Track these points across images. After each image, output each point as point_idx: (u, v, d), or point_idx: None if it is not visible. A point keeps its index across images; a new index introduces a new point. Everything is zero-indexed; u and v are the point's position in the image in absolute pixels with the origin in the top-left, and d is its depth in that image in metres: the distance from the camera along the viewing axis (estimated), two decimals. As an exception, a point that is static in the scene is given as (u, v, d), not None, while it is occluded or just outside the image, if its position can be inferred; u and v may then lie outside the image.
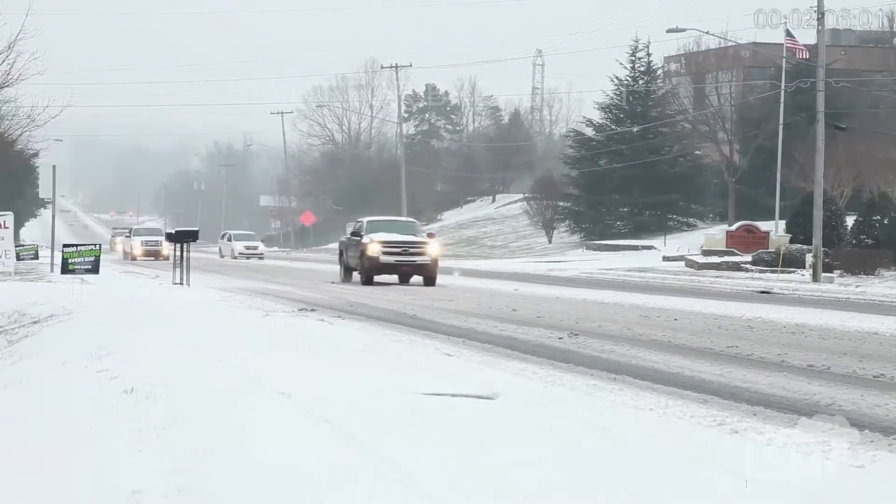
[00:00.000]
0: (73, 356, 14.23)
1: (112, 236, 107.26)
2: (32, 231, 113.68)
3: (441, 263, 39.78)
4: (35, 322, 21.12)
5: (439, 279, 38.38)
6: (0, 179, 66.43)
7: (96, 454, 8.31)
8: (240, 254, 79.41)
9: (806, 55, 57.17)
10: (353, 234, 39.85)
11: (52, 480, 7.76)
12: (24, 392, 12.62)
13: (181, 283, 33.55)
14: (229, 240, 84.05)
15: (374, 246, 37.34)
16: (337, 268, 43.57)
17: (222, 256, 79.98)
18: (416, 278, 38.31)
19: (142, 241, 73.18)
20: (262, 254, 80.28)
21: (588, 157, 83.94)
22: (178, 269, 34.32)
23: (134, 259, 69.30)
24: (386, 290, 34.39)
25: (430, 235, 40.25)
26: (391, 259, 37.48)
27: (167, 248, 64.58)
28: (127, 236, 77.63)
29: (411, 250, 37.67)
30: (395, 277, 38.97)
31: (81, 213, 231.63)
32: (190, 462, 7.71)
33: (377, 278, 38.03)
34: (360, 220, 42.27)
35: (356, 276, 39.03)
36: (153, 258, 69.17)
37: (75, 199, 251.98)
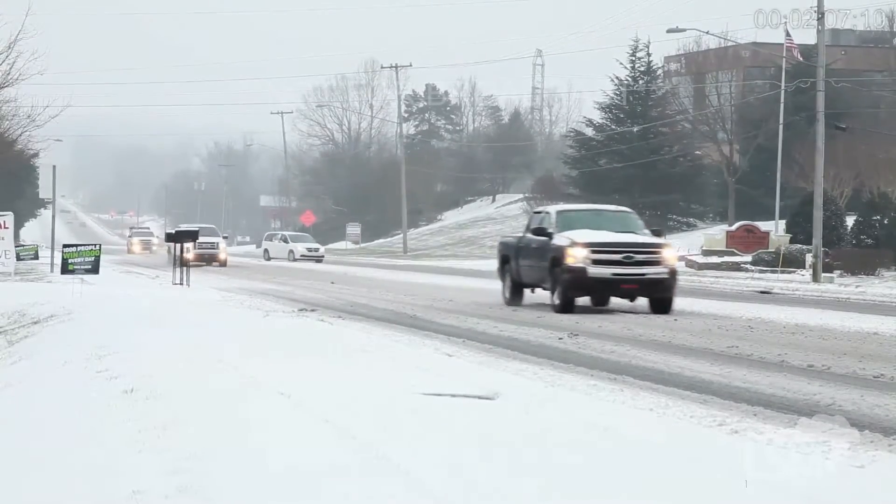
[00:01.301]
0: (74, 356, 14.23)
1: (129, 236, 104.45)
2: (32, 231, 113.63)
3: (441, 263, 38.87)
4: (35, 322, 21.12)
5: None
6: (0, 179, 66.40)
7: (96, 454, 8.31)
8: (301, 255, 72.98)
9: (798, 55, 57.21)
10: (536, 230, 26.37)
11: (52, 480, 7.76)
12: (24, 392, 12.62)
13: (181, 284, 33.55)
14: (285, 241, 77.59)
15: (577, 251, 24.40)
16: (487, 284, 33.20)
17: (269, 259, 73.96)
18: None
19: (195, 243, 63.54)
20: (322, 255, 74.37)
21: (588, 157, 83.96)
22: (178, 270, 34.32)
23: (185, 265, 61.45)
24: (386, 290, 34.36)
25: (658, 233, 27.36)
26: (606, 272, 24.32)
27: (225, 251, 60.48)
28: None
29: (638, 257, 24.58)
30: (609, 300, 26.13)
31: (81, 212, 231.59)
32: (190, 462, 7.70)
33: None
34: (542, 209, 29.43)
35: (531, 295, 26.88)
36: (205, 263, 56.22)
37: (75, 200, 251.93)
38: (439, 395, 10.55)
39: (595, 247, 24.41)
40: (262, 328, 18.55)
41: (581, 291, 24.60)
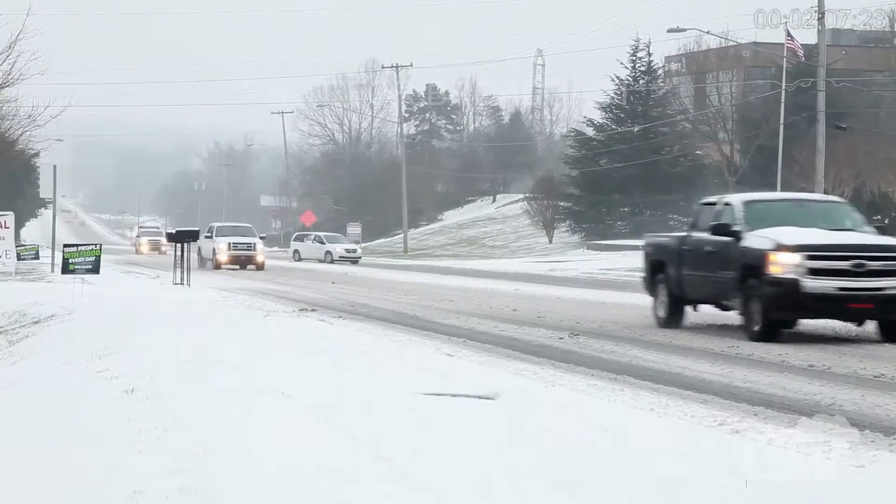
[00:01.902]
0: (74, 356, 14.23)
1: (137, 236, 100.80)
2: (33, 231, 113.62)
3: (440, 263, 38.98)
4: (36, 322, 21.12)
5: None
6: (1, 179, 66.43)
7: (97, 454, 8.31)
8: (340, 257, 68.23)
9: (801, 55, 57.20)
10: (715, 228, 19.71)
11: (52, 481, 7.75)
12: (24, 392, 12.61)
13: (181, 283, 33.55)
14: (321, 242, 71.73)
15: (785, 256, 18.09)
16: (487, 284, 30.64)
17: (299, 259, 68.31)
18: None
19: (229, 244, 53.21)
20: (359, 257, 70.06)
21: (589, 156, 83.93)
22: (178, 269, 34.32)
23: (218, 267, 51.57)
24: (386, 290, 34.37)
25: (884, 230, 21.37)
26: (829, 285, 17.86)
27: (263, 253, 53.93)
28: (207, 236, 53.20)
29: (873, 265, 18.04)
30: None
31: (82, 212, 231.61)
32: (190, 462, 7.70)
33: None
34: (717, 200, 21.79)
35: (694, 314, 21.35)
36: (239, 267, 51.97)
37: (76, 200, 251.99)
38: (440, 395, 10.55)
39: (812, 250, 18.03)
40: (263, 328, 18.55)
41: (792, 312, 18.30)
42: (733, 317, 19.51)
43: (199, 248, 50.82)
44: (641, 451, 8.42)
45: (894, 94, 74.80)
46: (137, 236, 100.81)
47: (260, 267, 52.12)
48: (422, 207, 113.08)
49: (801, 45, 58.07)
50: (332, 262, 66.80)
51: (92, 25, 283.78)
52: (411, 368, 13.03)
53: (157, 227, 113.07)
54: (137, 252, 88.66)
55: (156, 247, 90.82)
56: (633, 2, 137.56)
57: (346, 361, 13.47)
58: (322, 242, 72.27)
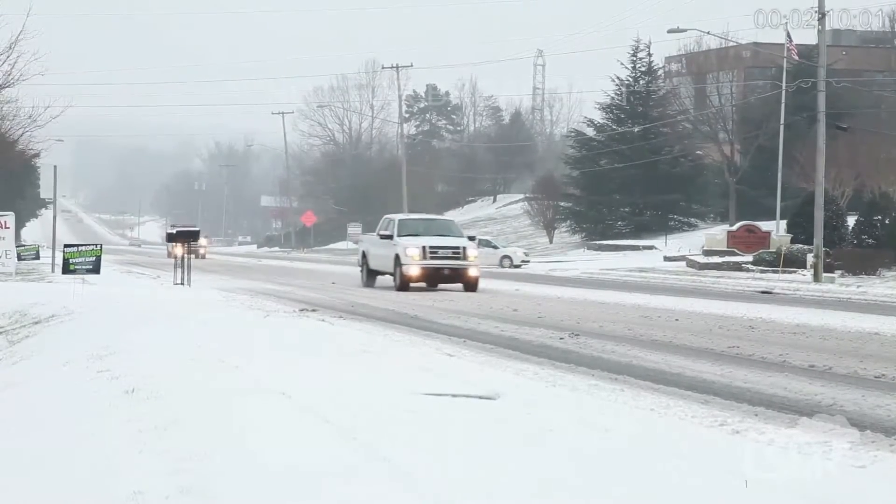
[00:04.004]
0: (74, 356, 14.22)
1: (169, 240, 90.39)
2: (33, 231, 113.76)
3: None
4: (36, 322, 21.12)
5: None
6: (1, 180, 66.44)
7: (97, 454, 8.31)
8: (522, 262, 61.19)
9: (796, 56, 57.19)
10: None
11: (52, 481, 7.75)
12: (24, 392, 12.61)
13: (182, 284, 33.55)
14: (491, 246, 61.83)
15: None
16: (487, 284, 29.71)
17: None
18: None
19: (425, 249, 33.75)
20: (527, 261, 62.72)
21: (589, 157, 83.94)
22: (178, 270, 34.31)
23: (405, 285, 33.49)
24: (386, 291, 34.39)
25: None
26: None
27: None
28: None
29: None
30: None
31: (82, 212, 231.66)
32: (191, 462, 7.70)
33: None
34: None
35: None
36: (429, 285, 34.24)
37: (76, 200, 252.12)
38: (440, 395, 10.54)
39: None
40: (264, 328, 18.54)
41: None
42: None
43: (363, 255, 37.30)
44: (642, 451, 8.42)
45: (894, 95, 74.80)
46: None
47: (471, 285, 32.97)
48: (422, 208, 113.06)
49: (801, 45, 58.07)
50: (510, 268, 59.09)
51: (92, 25, 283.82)
52: (412, 368, 13.02)
53: (196, 227, 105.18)
54: (171, 255, 77.17)
55: (192, 250, 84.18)
56: (634, 2, 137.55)
57: (347, 362, 13.46)
58: (495, 247, 63.74)
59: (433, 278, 33.67)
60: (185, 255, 34.72)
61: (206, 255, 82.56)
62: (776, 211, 63.10)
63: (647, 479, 7.41)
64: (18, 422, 10.53)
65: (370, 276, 36.47)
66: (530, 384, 12.58)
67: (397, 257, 33.79)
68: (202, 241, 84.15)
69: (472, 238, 35.56)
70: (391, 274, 34.34)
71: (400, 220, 35.73)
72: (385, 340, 17.55)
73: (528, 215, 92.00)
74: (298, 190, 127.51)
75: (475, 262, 33.83)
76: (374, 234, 36.80)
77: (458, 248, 33.71)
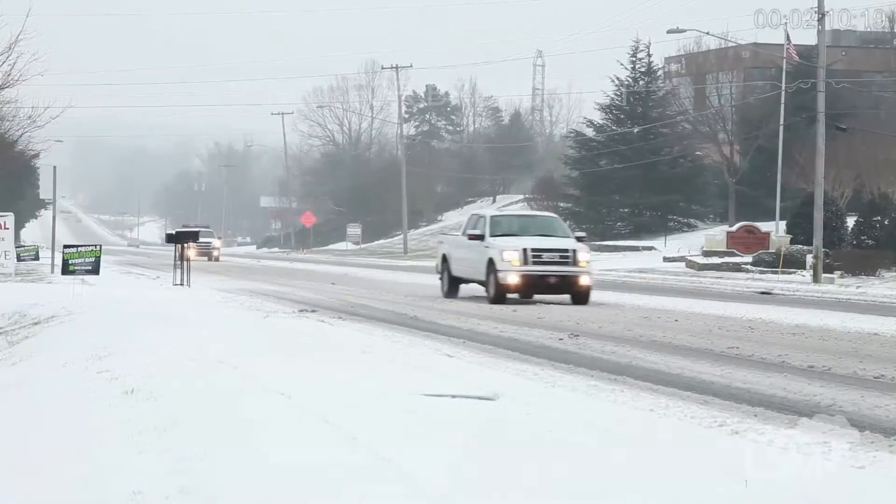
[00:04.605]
0: (74, 357, 14.22)
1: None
2: (33, 232, 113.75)
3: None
4: (36, 323, 21.12)
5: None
6: (1, 180, 66.44)
7: (97, 455, 8.31)
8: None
9: (795, 56, 57.21)
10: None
11: (52, 481, 7.76)
12: (24, 393, 12.61)
13: (181, 284, 33.55)
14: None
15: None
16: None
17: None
18: None
19: (526, 252, 28.07)
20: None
21: (588, 157, 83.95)
22: (178, 270, 34.31)
23: (500, 297, 27.94)
24: (386, 291, 34.39)
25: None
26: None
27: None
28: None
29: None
30: None
31: (82, 213, 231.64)
32: (191, 463, 7.70)
33: None
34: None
35: None
36: (537, 296, 28.65)
37: (76, 201, 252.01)
38: (440, 395, 10.54)
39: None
40: (263, 329, 18.54)
41: None
42: None
43: (443, 259, 30.80)
44: (642, 451, 8.42)
45: (894, 95, 74.79)
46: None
47: (582, 297, 27.46)
48: (422, 208, 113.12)
49: (801, 45, 58.07)
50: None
51: (92, 25, 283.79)
52: (411, 369, 13.03)
53: (208, 227, 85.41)
54: (183, 259, 68.90)
55: (206, 252, 72.08)
56: (633, 3, 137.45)
57: (347, 362, 13.46)
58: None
59: (536, 288, 27.92)
60: (186, 256, 34.66)
61: (220, 258, 73.93)
62: (776, 212, 63.10)
63: (646, 480, 7.41)
64: (18, 422, 10.53)
65: (452, 284, 30.32)
66: (530, 385, 12.58)
67: (491, 262, 27.72)
68: (215, 242, 75.56)
69: (580, 238, 29.63)
70: (481, 283, 28.57)
71: (492, 218, 29.94)
72: (385, 341, 17.56)
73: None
74: (298, 190, 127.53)
75: (586, 268, 27.85)
76: (458, 233, 31.77)
77: (566, 251, 27.81)
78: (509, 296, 27.75)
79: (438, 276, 31.38)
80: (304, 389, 10.67)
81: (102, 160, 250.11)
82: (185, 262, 34.22)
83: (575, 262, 27.60)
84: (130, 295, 27.20)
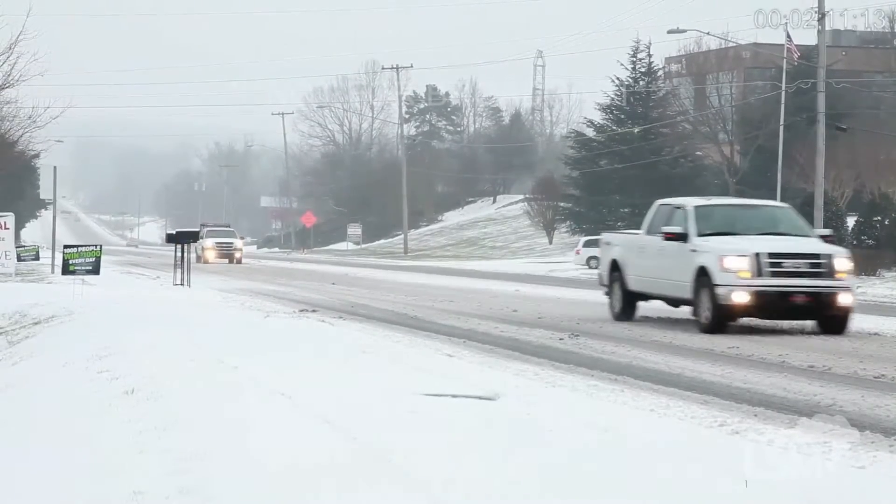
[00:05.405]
0: (74, 357, 14.22)
1: (201, 237, 61.70)
2: (33, 232, 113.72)
3: (441, 264, 37.93)
4: (36, 323, 21.12)
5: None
6: (1, 180, 66.43)
7: (97, 455, 8.31)
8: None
9: (796, 57, 57.20)
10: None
11: (52, 481, 7.75)
12: (24, 393, 12.61)
13: (181, 284, 33.54)
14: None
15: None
16: (487, 285, 30.16)
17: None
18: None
19: (758, 259, 20.31)
20: None
21: (589, 157, 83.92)
22: (178, 270, 34.30)
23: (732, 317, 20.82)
24: (386, 291, 34.40)
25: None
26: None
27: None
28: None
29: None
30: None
31: (82, 213, 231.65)
32: (191, 463, 7.70)
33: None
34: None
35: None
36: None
37: (76, 201, 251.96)
38: (440, 395, 10.54)
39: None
40: (263, 329, 18.54)
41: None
42: None
43: (613, 267, 23.47)
44: (642, 451, 8.42)
45: (894, 95, 74.78)
46: (201, 237, 62.54)
47: (838, 322, 20.32)
48: (422, 208, 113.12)
49: (801, 45, 58.04)
50: None
51: (92, 26, 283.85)
52: (411, 369, 13.03)
53: (229, 226, 77.83)
54: (203, 260, 62.57)
55: (226, 253, 66.35)
56: (634, 3, 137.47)
57: (347, 362, 13.46)
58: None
59: (775, 310, 20.26)
60: (186, 256, 34.63)
61: (242, 260, 66.56)
62: (776, 212, 62.96)
63: (647, 480, 7.41)
64: (18, 422, 10.53)
65: (629, 302, 22.82)
66: (530, 385, 12.58)
67: (702, 273, 20.18)
68: (237, 242, 68.10)
69: (827, 238, 22.00)
70: (685, 301, 21.06)
71: (699, 209, 21.94)
72: (385, 341, 17.56)
73: (528, 216, 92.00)
74: (298, 191, 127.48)
75: (846, 280, 20.26)
76: (640, 231, 24.16)
77: (817, 256, 20.40)
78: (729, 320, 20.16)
79: (604, 289, 23.72)
80: (305, 389, 10.66)
81: (102, 160, 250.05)
82: (185, 263, 34.19)
83: (831, 273, 20.09)
84: (131, 295, 27.20)
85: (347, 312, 24.59)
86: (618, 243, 24.34)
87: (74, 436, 9.23)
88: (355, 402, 9.95)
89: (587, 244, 58.76)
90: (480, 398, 10.55)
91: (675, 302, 21.87)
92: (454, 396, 10.57)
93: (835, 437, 9.36)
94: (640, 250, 23.06)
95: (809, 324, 20.46)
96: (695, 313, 20.44)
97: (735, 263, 19.91)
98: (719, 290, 19.68)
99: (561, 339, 18.41)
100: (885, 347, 17.45)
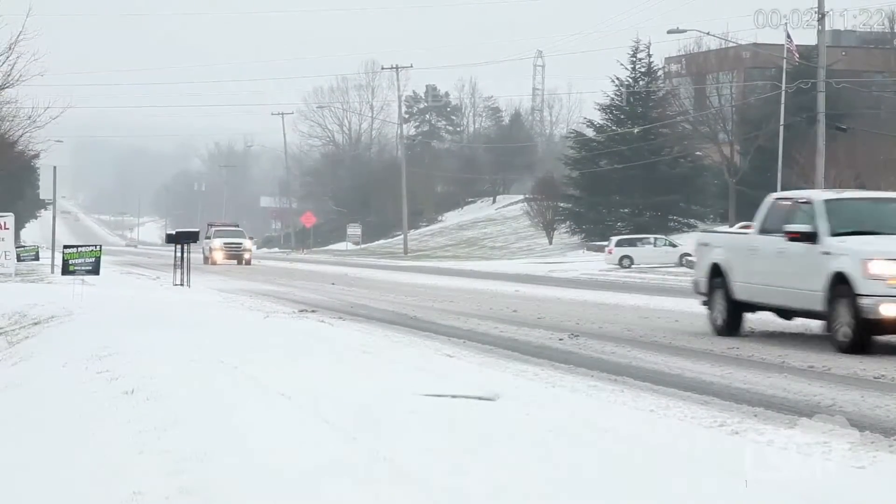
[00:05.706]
0: (74, 357, 14.22)
1: (209, 237, 64.22)
2: (33, 232, 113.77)
3: (440, 264, 37.91)
4: (36, 323, 21.11)
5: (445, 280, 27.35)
6: (1, 180, 66.45)
7: (97, 455, 8.31)
8: None
9: (796, 57, 57.22)
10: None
11: (52, 482, 7.75)
12: (24, 393, 12.61)
13: (181, 284, 33.54)
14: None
15: None
16: (487, 285, 29.19)
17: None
18: None
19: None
20: None
21: (589, 157, 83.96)
22: (178, 270, 34.30)
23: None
24: (386, 291, 34.40)
25: None
26: None
27: None
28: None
29: None
30: None
31: (82, 213, 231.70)
32: (191, 463, 7.70)
33: None
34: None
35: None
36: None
37: (76, 201, 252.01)
38: (440, 395, 10.54)
39: None
40: (263, 329, 18.54)
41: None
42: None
43: (713, 272, 20.15)
44: (642, 451, 8.42)
45: (894, 96, 74.80)
46: (208, 237, 62.86)
47: None
48: (422, 208, 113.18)
49: (801, 45, 58.06)
50: None
51: (92, 25, 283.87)
52: (411, 369, 13.03)
53: (238, 226, 74.71)
54: (211, 262, 61.22)
55: (235, 254, 63.34)
56: (634, 3, 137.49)
57: (346, 362, 13.47)
58: (674, 245, 53.54)
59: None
60: (186, 256, 34.62)
61: (252, 261, 63.84)
62: (776, 212, 62.97)
63: (647, 480, 7.41)
64: (18, 423, 10.52)
65: (734, 313, 19.49)
66: (530, 385, 12.58)
67: (839, 280, 16.82)
68: (247, 242, 65.25)
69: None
70: (815, 314, 17.79)
71: (829, 203, 18.20)
72: (385, 341, 17.56)
73: (528, 216, 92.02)
74: (298, 191, 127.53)
75: None
76: (750, 229, 20.83)
77: None
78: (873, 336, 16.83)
79: (702, 298, 20.50)
80: (304, 390, 10.67)
81: (102, 160, 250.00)
82: (185, 263, 34.19)
83: None
84: (130, 295, 27.20)
85: (347, 313, 24.59)
86: (720, 244, 20.86)
87: (74, 436, 9.23)
88: (355, 402, 9.95)
89: (619, 244, 57.88)
90: (480, 398, 10.55)
91: (793, 314, 18.73)
92: (454, 397, 10.57)
93: (835, 438, 9.36)
94: (750, 253, 19.54)
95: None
96: (829, 328, 17.18)
97: (883, 269, 16.43)
98: (864, 302, 16.26)
99: (561, 339, 18.41)
100: (885, 347, 17.42)
